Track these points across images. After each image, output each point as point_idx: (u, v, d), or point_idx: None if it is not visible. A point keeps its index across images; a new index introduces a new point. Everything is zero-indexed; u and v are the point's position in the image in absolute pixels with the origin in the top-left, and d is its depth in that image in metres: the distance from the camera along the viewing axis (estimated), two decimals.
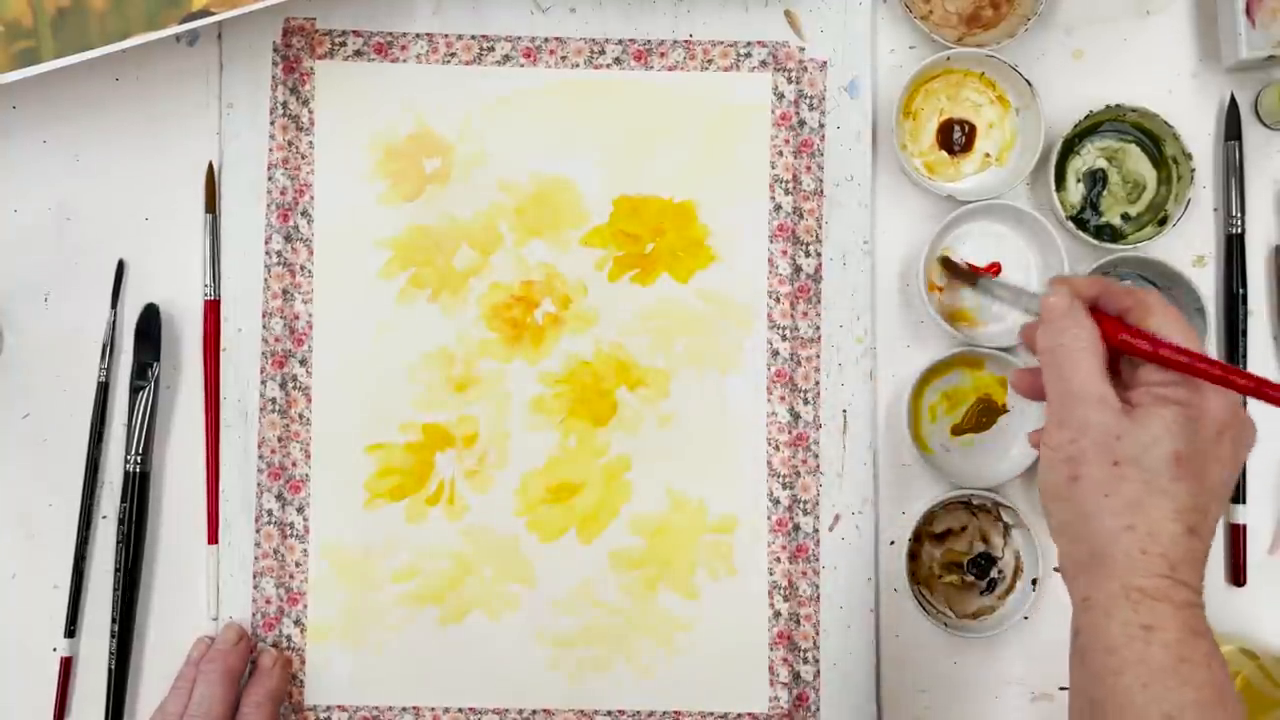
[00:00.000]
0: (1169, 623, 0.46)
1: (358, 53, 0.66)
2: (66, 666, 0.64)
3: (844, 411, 0.65)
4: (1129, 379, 0.50)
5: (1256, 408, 0.65)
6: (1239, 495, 0.65)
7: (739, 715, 0.65)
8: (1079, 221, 0.66)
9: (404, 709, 0.64)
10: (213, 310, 0.65)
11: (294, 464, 0.65)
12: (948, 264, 0.65)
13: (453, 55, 0.66)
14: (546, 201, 0.66)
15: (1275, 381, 0.47)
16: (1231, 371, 0.48)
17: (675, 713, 0.65)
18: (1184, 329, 0.50)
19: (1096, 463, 0.48)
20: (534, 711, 0.65)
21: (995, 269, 0.66)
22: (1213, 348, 0.66)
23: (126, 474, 0.64)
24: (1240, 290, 0.66)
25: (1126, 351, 0.50)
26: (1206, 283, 0.67)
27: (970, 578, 0.65)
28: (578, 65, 0.67)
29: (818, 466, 0.65)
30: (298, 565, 0.65)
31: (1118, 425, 0.48)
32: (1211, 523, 0.49)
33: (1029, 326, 0.54)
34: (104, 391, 0.65)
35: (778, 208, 0.66)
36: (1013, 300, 0.59)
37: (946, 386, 0.66)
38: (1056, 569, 0.66)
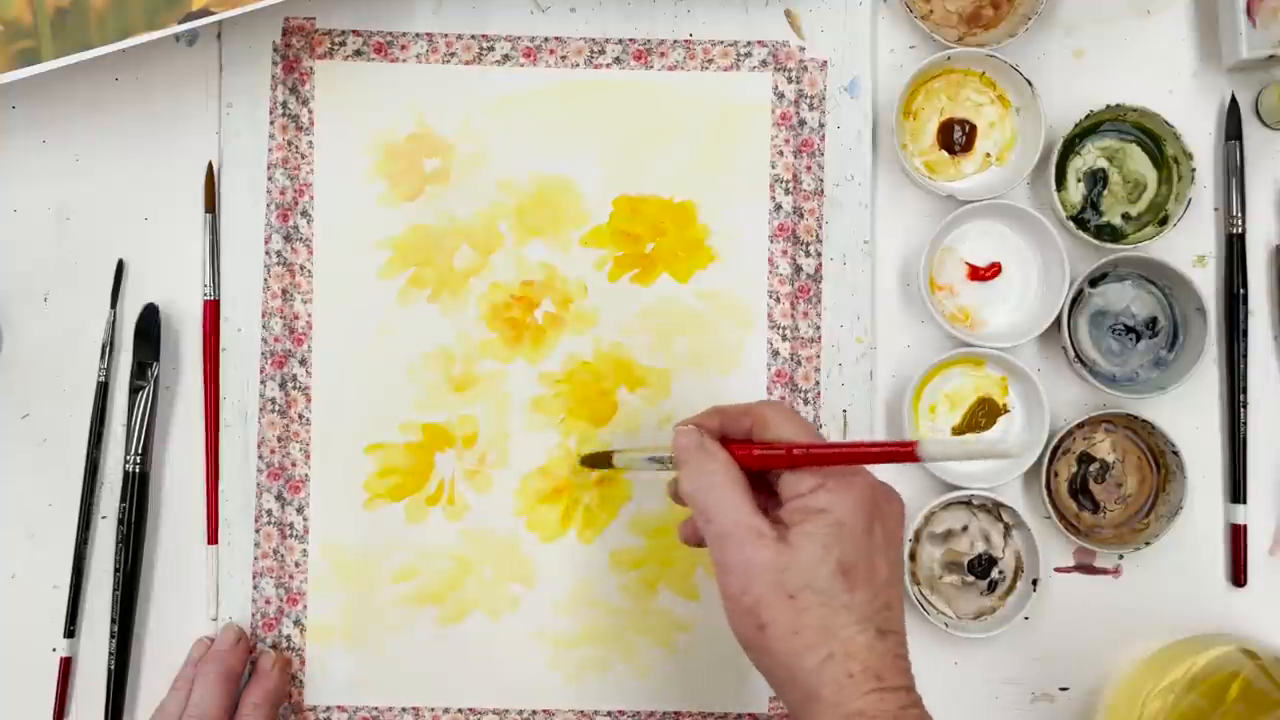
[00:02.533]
0: None
1: (357, 52, 0.66)
2: (66, 666, 0.64)
3: (844, 411, 0.65)
4: (771, 489, 0.50)
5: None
6: (1239, 495, 0.65)
7: (739, 715, 0.65)
8: (1079, 221, 0.66)
9: (404, 709, 0.64)
10: (212, 310, 0.65)
11: (294, 464, 0.65)
12: (587, 460, 0.64)
13: (453, 55, 0.66)
14: (546, 201, 0.66)
15: (899, 441, 0.46)
16: (861, 446, 0.49)
17: (675, 713, 0.65)
18: (802, 426, 0.51)
19: (775, 605, 0.47)
20: (534, 711, 0.65)
21: (995, 269, 0.66)
22: (1213, 347, 0.66)
23: (126, 474, 0.64)
24: (1241, 290, 0.66)
25: (766, 467, 0.50)
26: (1207, 283, 0.66)
27: (971, 578, 0.65)
28: (578, 65, 0.66)
29: None
30: (297, 565, 0.65)
31: (780, 558, 0.47)
32: (898, 612, 0.49)
33: (673, 482, 0.54)
34: (103, 391, 0.65)
35: (778, 208, 0.66)
36: (652, 462, 0.56)
37: (946, 386, 0.66)
38: (1057, 569, 0.66)
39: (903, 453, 0.46)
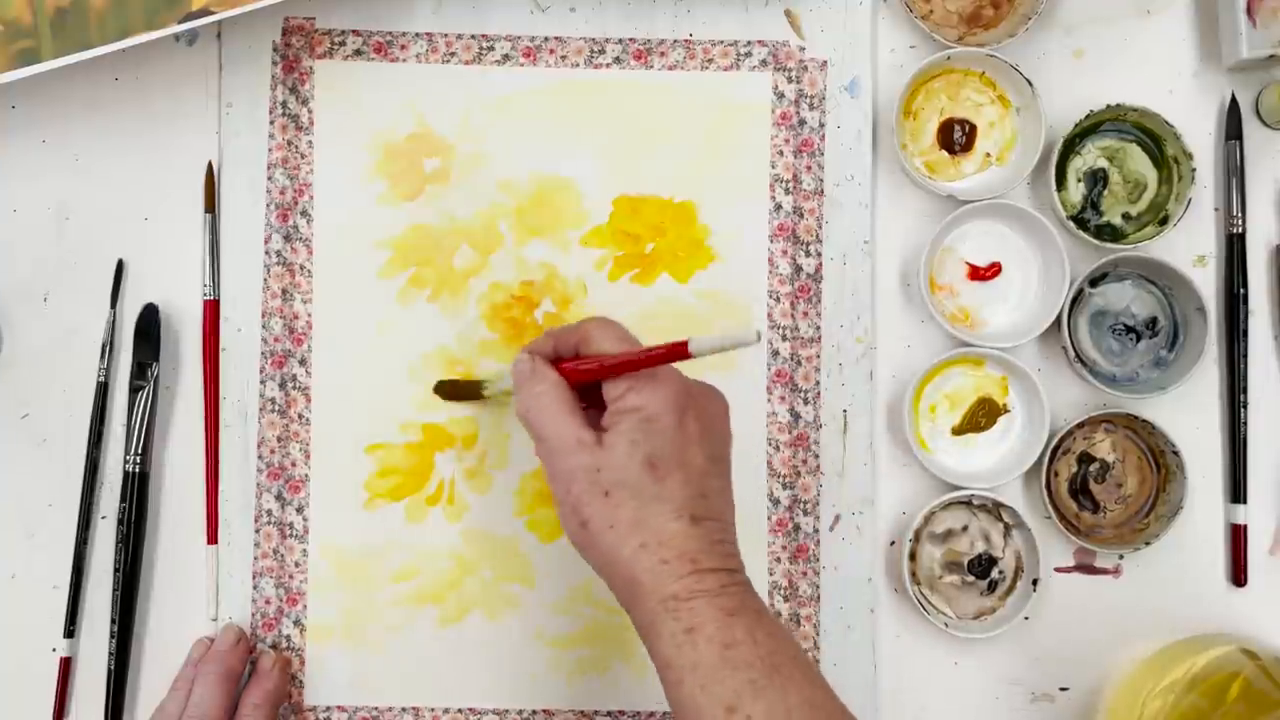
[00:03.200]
0: (706, 617, 0.48)
1: (357, 52, 0.66)
2: (66, 666, 0.64)
3: (844, 411, 0.65)
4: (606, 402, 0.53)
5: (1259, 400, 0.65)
6: (1239, 495, 0.65)
7: None
8: (1079, 221, 0.66)
9: (404, 709, 0.64)
10: (212, 310, 0.65)
11: (293, 464, 0.65)
12: (443, 387, 0.65)
13: (452, 55, 0.66)
14: (546, 201, 0.66)
15: (675, 342, 0.50)
16: (646, 351, 0.51)
17: None
18: (621, 338, 0.53)
19: (592, 503, 0.50)
20: (534, 711, 0.65)
21: (995, 269, 0.66)
22: (1213, 347, 0.66)
23: (126, 474, 0.64)
24: (1241, 290, 0.66)
25: (586, 380, 0.53)
26: (1207, 282, 0.66)
27: (971, 578, 0.65)
28: (578, 65, 0.66)
29: (818, 466, 0.65)
30: (297, 565, 0.65)
31: (594, 459, 0.50)
32: (715, 500, 0.52)
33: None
34: (103, 391, 0.65)
35: (778, 207, 0.66)
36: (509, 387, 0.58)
37: (946, 386, 0.66)
38: (1057, 569, 0.66)
39: (678, 351, 0.50)
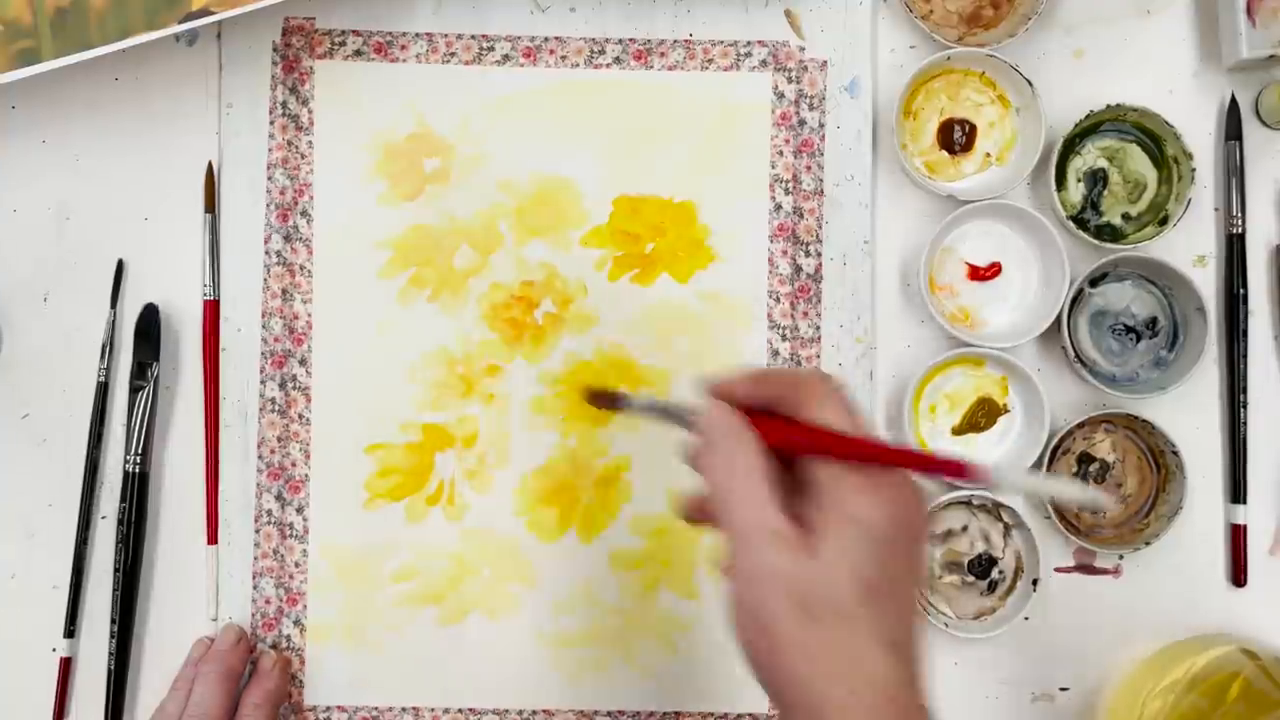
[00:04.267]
0: None
1: (357, 52, 0.66)
2: (66, 667, 0.64)
3: None
4: (804, 478, 0.44)
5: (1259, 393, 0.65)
6: (1239, 495, 0.65)
7: (739, 715, 0.65)
8: (1079, 221, 0.66)
9: (404, 709, 0.64)
10: (212, 310, 0.65)
11: (293, 464, 0.65)
12: (592, 396, 0.54)
13: (453, 55, 0.66)
14: (546, 201, 0.66)
15: (973, 462, 0.42)
16: (899, 453, 0.43)
17: (675, 713, 0.65)
18: (844, 408, 0.44)
19: (789, 619, 0.42)
20: (534, 712, 0.65)
21: (995, 269, 0.66)
22: (1213, 347, 0.66)
23: (126, 474, 0.64)
24: (1241, 290, 0.66)
25: (788, 452, 0.44)
26: (1207, 283, 0.66)
27: (971, 578, 0.65)
28: (578, 65, 0.66)
29: None
30: (297, 565, 0.65)
31: (799, 568, 0.42)
32: (909, 629, 0.43)
33: (691, 446, 0.46)
34: (103, 391, 0.65)
35: (778, 207, 0.66)
36: (664, 417, 0.48)
37: (947, 386, 0.66)
38: (1057, 569, 0.66)
39: (956, 469, 0.42)
